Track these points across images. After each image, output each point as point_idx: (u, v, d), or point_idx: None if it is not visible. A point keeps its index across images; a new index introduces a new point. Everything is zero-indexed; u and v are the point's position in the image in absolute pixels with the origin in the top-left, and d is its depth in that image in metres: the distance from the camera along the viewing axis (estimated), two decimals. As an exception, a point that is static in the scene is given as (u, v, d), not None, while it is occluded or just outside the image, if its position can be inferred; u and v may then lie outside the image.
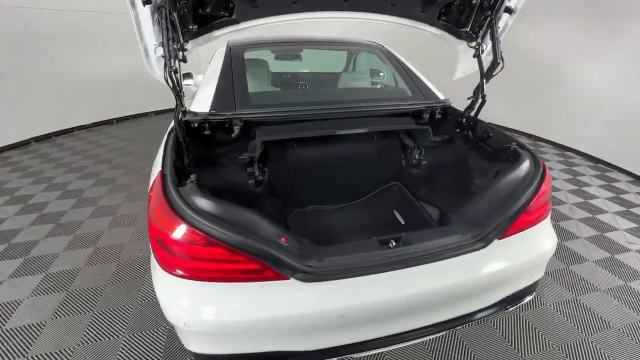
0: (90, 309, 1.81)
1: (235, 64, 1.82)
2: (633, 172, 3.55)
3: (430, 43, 3.30)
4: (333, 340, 1.12)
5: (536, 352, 1.58)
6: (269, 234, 1.07)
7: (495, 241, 1.24)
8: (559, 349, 1.60)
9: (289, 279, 1.04)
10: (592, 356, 1.57)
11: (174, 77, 1.27)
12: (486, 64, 1.67)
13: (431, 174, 1.84)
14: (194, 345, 1.10)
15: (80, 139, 4.70)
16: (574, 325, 1.74)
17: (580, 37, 3.87)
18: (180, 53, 1.30)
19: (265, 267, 1.03)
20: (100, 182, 3.33)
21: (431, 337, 1.36)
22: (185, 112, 1.40)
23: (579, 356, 1.57)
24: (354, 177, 1.89)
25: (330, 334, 1.10)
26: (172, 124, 1.65)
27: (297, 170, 1.78)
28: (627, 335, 1.69)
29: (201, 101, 1.65)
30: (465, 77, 1.93)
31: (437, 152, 1.84)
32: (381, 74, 2.10)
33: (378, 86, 2.10)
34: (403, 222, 1.73)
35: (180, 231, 1.00)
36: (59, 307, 1.82)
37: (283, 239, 1.09)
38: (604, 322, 1.76)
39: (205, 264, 1.02)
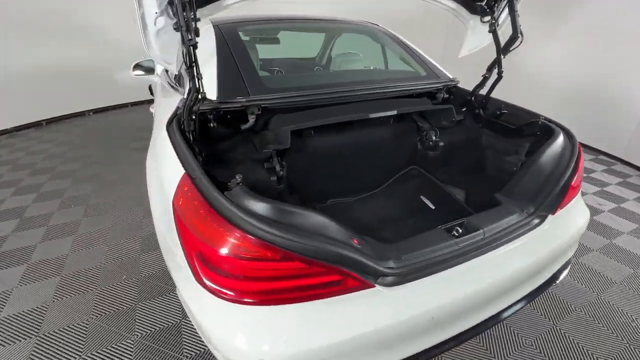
0: (76, 354, 1.46)
1: (232, 44, 1.55)
2: (582, 141, 3.97)
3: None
4: (420, 345, 1.00)
5: (565, 318, 1.65)
6: (342, 236, 0.90)
7: (550, 216, 1.23)
8: (582, 311, 1.69)
9: (374, 285, 0.90)
10: (611, 312, 1.69)
11: (192, 53, 1.01)
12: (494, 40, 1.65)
13: (449, 155, 1.80)
14: None
15: (2, 147, 3.87)
16: (585, 287, 1.86)
17: (529, 15, 4.17)
18: (193, 24, 1.04)
19: (346, 277, 0.87)
20: (44, 197, 2.76)
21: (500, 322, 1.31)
22: (203, 99, 1.14)
23: (601, 314, 1.68)
24: (372, 164, 1.77)
25: (418, 339, 0.99)
26: (168, 115, 1.36)
27: (315, 161, 1.60)
28: (629, 288, 1.86)
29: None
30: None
31: (453, 133, 1.80)
32: (390, 54, 1.98)
33: (391, 67, 1.99)
34: (433, 207, 1.67)
35: (246, 248, 0.79)
36: (31, 357, 1.44)
37: (355, 241, 0.94)
38: (607, 279, 1.91)
39: (280, 283, 0.83)
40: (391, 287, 0.91)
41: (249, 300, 0.83)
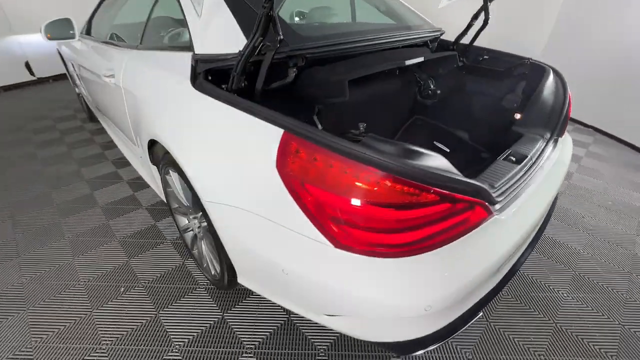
0: (110, 388, 1.17)
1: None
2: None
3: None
4: (511, 263, 1.12)
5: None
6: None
7: (560, 139, 1.46)
8: (553, 218, 2.11)
9: (494, 214, 0.95)
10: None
11: None
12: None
13: (447, 102, 1.93)
14: (416, 330, 0.89)
15: None
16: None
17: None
18: None
19: (476, 210, 0.89)
20: None
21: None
22: (279, 42, 0.92)
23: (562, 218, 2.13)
24: (383, 117, 1.79)
25: (513, 258, 1.10)
26: (165, 79, 1.09)
27: (342, 115, 1.53)
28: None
29: (220, 39, 1.14)
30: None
31: (448, 80, 1.92)
32: (381, 7, 1.93)
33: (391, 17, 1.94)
34: (448, 150, 1.79)
35: (407, 195, 0.73)
36: (47, 412, 1.10)
37: None
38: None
39: (432, 228, 0.80)
40: (503, 212, 0.98)
41: (401, 252, 0.79)
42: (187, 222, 1.60)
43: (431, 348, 0.95)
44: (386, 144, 0.78)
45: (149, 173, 1.79)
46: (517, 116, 1.58)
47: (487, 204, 0.88)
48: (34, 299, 1.49)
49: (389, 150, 0.77)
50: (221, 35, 1.14)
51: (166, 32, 1.63)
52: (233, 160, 0.92)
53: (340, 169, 0.75)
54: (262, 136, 0.85)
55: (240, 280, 1.18)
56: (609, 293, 1.61)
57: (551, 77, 1.58)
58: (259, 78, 1.00)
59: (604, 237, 1.97)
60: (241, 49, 1.08)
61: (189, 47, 1.21)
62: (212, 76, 1.12)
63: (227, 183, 0.96)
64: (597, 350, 1.34)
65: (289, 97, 1.24)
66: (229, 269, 1.22)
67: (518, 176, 1.10)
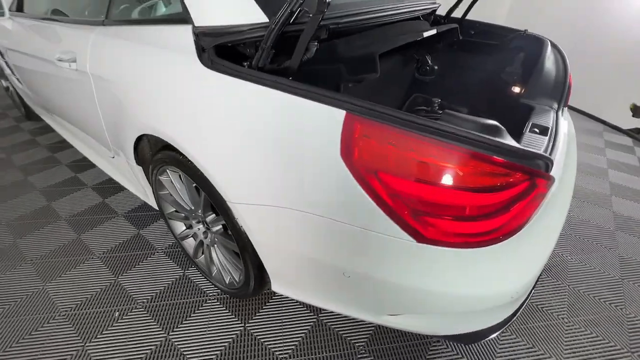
0: None
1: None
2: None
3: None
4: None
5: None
6: None
7: (565, 109, 1.49)
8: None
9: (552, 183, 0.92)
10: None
11: None
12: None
13: (445, 78, 1.89)
14: (490, 319, 0.84)
15: None
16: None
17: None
18: None
19: (542, 184, 0.85)
20: None
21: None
22: (327, 4, 0.74)
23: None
24: (387, 95, 1.70)
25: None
26: (150, 57, 0.92)
27: (358, 94, 1.43)
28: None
29: (228, 8, 0.95)
30: None
31: (444, 56, 1.87)
32: None
33: None
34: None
35: (501, 176, 0.66)
36: None
37: None
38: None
39: (518, 206, 0.73)
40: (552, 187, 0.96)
41: (491, 240, 0.72)
42: (185, 227, 1.41)
43: (493, 336, 0.91)
44: (466, 121, 0.70)
45: (126, 174, 1.53)
46: (518, 89, 1.58)
47: (554, 177, 0.84)
48: (4, 341, 1.21)
49: (472, 127, 0.69)
50: (229, 3, 0.95)
51: (143, 2, 1.35)
52: (275, 152, 0.77)
53: (425, 152, 0.65)
54: (319, 121, 0.71)
55: (275, 287, 1.05)
56: (602, 251, 1.73)
57: (550, 47, 1.60)
58: (296, 51, 0.84)
59: (585, 199, 2.13)
60: (259, 18, 0.91)
61: (183, 18, 0.99)
62: (217, 52, 0.94)
63: (268, 180, 0.80)
64: (608, 305, 1.44)
65: (307, 74, 1.09)
66: (257, 276, 1.07)
67: (550, 147, 1.09)
